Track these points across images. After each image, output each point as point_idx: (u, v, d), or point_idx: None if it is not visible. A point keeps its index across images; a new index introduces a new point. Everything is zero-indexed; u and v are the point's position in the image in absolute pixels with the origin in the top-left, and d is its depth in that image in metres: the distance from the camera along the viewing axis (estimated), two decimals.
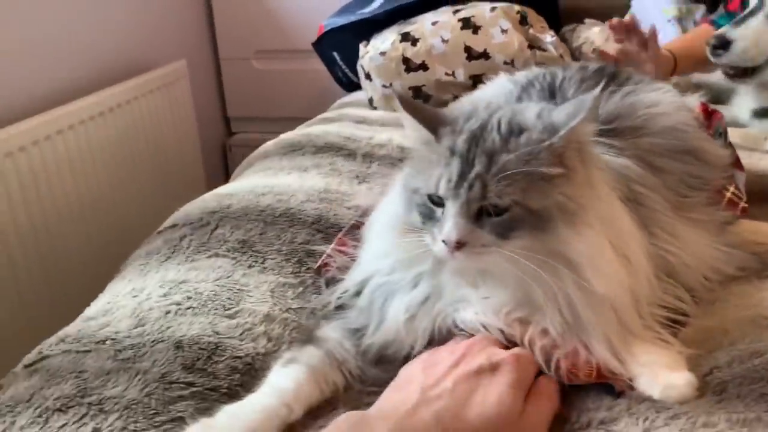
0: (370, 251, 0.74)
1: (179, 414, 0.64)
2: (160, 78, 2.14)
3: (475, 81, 1.61)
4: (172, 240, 0.95)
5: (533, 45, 1.63)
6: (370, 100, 1.71)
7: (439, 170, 0.63)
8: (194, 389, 0.67)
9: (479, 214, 0.62)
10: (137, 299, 0.82)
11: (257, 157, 1.30)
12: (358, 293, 0.73)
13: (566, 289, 0.62)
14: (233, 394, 0.67)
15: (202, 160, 2.48)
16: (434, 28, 1.65)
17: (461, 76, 1.62)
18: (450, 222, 0.61)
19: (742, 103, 1.51)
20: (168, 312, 0.78)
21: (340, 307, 0.75)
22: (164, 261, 0.90)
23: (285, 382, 0.64)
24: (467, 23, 1.64)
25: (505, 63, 1.61)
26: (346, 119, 1.51)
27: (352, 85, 2.05)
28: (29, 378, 0.71)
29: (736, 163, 1.05)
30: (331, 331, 0.71)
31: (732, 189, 0.99)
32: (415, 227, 0.67)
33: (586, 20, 1.95)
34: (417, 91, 1.64)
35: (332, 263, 0.83)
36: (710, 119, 1.10)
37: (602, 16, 2.04)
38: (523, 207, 0.61)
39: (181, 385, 0.67)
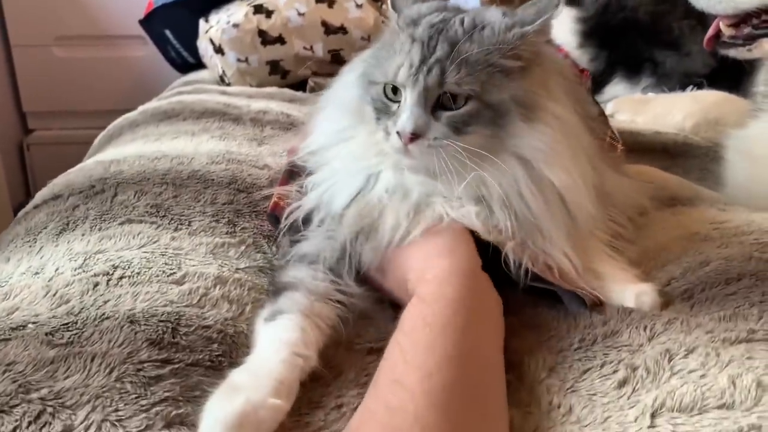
0: (324, 133, 0.72)
1: (166, 394, 0.52)
2: None
3: (334, 56, 1.58)
4: (60, 211, 0.79)
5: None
6: (222, 77, 1.59)
7: (399, 58, 0.62)
8: (173, 366, 0.55)
9: (435, 107, 0.61)
10: (42, 276, 0.67)
11: (122, 128, 1.14)
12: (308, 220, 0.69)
13: (518, 186, 0.63)
14: (217, 366, 0.57)
15: (1, 162, 2.14)
16: (288, 0, 1.58)
17: (320, 50, 1.57)
18: (407, 112, 0.61)
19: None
20: (96, 285, 0.65)
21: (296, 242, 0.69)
22: (59, 233, 0.75)
23: (286, 333, 0.57)
24: None
25: (362, 39, 1.60)
26: (208, 92, 1.39)
27: (187, 66, 1.91)
28: None
29: (604, 115, 1.14)
30: (297, 272, 0.65)
31: (609, 133, 1.08)
32: (367, 122, 0.66)
33: None
34: (275, 65, 1.57)
35: (285, 201, 0.75)
36: (579, 77, 1.19)
37: None
38: (480, 100, 0.61)
39: (157, 363, 0.55)
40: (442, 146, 0.61)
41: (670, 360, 0.56)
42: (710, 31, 1.15)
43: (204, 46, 1.66)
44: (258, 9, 1.56)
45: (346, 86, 0.71)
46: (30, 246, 0.74)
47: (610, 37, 1.56)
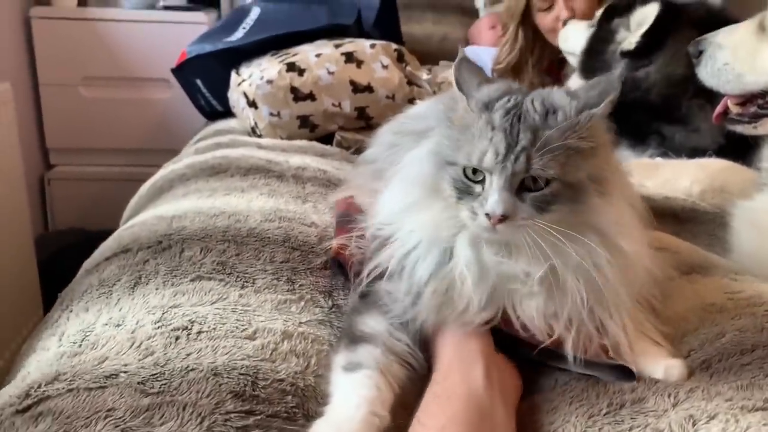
0: (395, 203, 0.75)
1: None
2: None
3: (360, 112, 1.67)
4: (131, 265, 0.86)
5: (411, 81, 1.73)
6: (253, 129, 1.68)
7: (482, 144, 0.66)
8: (256, 418, 0.62)
9: (520, 188, 0.66)
10: (124, 328, 0.74)
11: (172, 180, 1.22)
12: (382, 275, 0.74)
13: (596, 258, 0.68)
14: (293, 417, 0.64)
15: (27, 195, 2.21)
16: (318, 60, 1.68)
17: (347, 107, 1.66)
18: (495, 195, 0.65)
19: None
20: (177, 338, 0.72)
21: (366, 295, 0.75)
22: (133, 287, 0.82)
23: (365, 390, 0.63)
24: (350, 57, 1.70)
25: (387, 97, 1.69)
26: (244, 145, 1.47)
27: (215, 113, 1.99)
28: (33, 424, 0.61)
29: None
30: (376, 324, 0.71)
31: None
32: (444, 198, 0.70)
33: (441, 62, 2.11)
34: (304, 119, 1.65)
35: (346, 250, 0.81)
36: None
37: (443, 59, 2.24)
38: (561, 181, 0.66)
39: (241, 415, 0.62)
40: (529, 225, 0.66)
41: (693, 425, 0.63)
42: (719, 108, 1.25)
43: (236, 98, 1.74)
44: (291, 67, 1.66)
45: (417, 162, 0.75)
46: (107, 297, 0.81)
47: (619, 112, 1.64)
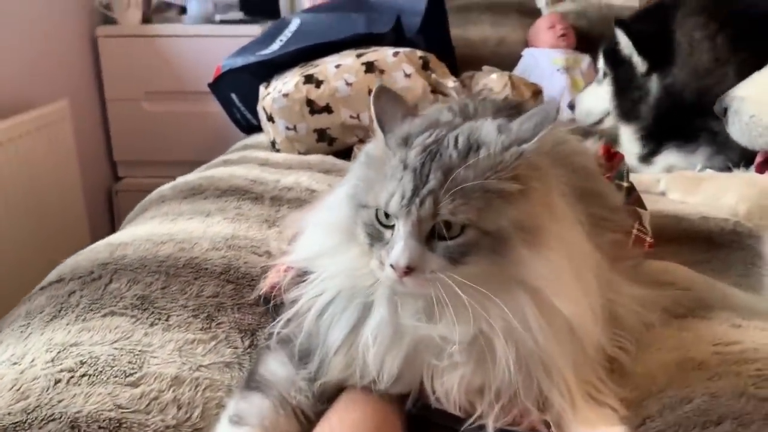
0: (311, 248, 0.69)
1: None
2: (39, 118, 1.98)
3: None
4: (58, 297, 0.84)
5: (436, 90, 1.64)
6: (273, 143, 1.65)
7: (391, 185, 0.58)
8: None
9: (431, 236, 0.58)
10: (18, 367, 0.71)
11: (152, 202, 1.20)
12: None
13: (525, 318, 0.59)
14: None
15: (84, 207, 2.31)
16: (338, 71, 1.62)
17: (366, 119, 1.59)
18: (400, 244, 0.57)
19: (629, 148, 1.62)
20: (58, 381, 0.68)
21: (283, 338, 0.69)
22: (49, 321, 0.80)
23: None
24: (371, 67, 1.63)
25: None
26: (249, 162, 1.44)
27: (251, 128, 1.98)
28: None
29: (639, 201, 1.07)
30: (279, 368, 0.65)
31: (637, 226, 1.01)
32: (360, 242, 0.63)
33: (484, 67, 1.99)
34: (321, 133, 1.60)
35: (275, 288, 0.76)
36: (611, 161, 1.13)
37: (497, 63, 2.12)
38: (478, 228, 0.57)
39: None
40: (438, 280, 0.57)
41: None
42: (759, 158, 1.12)
43: (261, 113, 1.72)
44: (308, 79, 1.61)
45: (335, 206, 0.69)
46: (21, 331, 0.79)
47: (662, 123, 1.53)
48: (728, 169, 1.42)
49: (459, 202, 0.57)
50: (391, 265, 0.57)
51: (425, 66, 1.66)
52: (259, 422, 0.61)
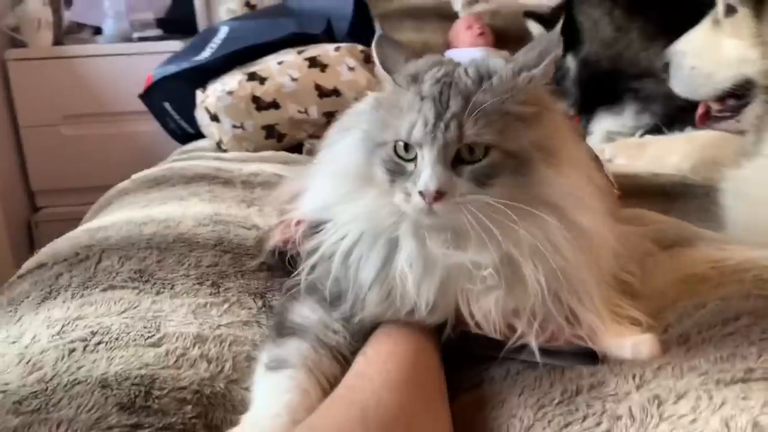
0: (324, 195, 0.69)
1: None
2: None
3: (329, 118, 1.60)
4: (44, 280, 0.79)
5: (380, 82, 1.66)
6: (219, 144, 1.61)
7: (411, 116, 0.59)
8: (144, 431, 0.54)
9: (456, 161, 0.59)
10: (19, 344, 0.66)
11: (114, 196, 1.15)
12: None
13: (552, 236, 0.60)
14: (190, 429, 0.56)
15: (7, 239, 2.17)
16: (281, 67, 1.62)
17: (314, 113, 1.59)
18: (428, 170, 0.58)
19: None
20: (72, 351, 0.63)
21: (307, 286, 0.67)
22: (41, 302, 0.74)
23: (288, 395, 0.56)
24: (314, 62, 1.63)
25: (356, 100, 1.60)
26: (202, 158, 1.40)
27: (187, 137, 1.93)
28: None
29: (598, 160, 1.13)
30: (311, 313, 0.64)
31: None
32: (378, 184, 0.62)
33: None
34: (270, 129, 1.58)
35: (289, 242, 0.74)
36: (570, 123, 1.19)
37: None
38: (501, 150, 0.58)
39: (126, 428, 0.54)
40: (469, 202, 0.58)
41: (659, 406, 0.53)
42: (700, 109, 1.22)
43: (200, 116, 1.68)
44: (251, 76, 1.59)
45: (346, 152, 0.68)
46: (11, 315, 0.74)
47: (588, 93, 1.68)
48: (657, 127, 1.54)
49: (482, 123, 0.58)
50: (420, 193, 0.58)
51: (367, 59, 1.69)
52: (302, 362, 0.59)
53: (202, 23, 2.72)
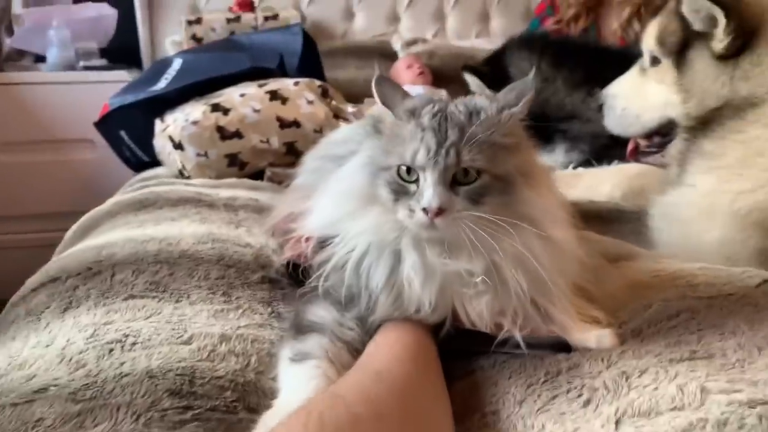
0: (330, 212, 0.78)
1: None
2: None
3: (289, 147, 1.69)
4: (60, 292, 0.84)
5: (338, 115, 1.77)
6: (181, 171, 1.67)
7: (413, 144, 0.70)
8: (194, 412, 0.62)
9: (453, 183, 0.70)
10: (53, 347, 0.72)
11: (98, 219, 1.19)
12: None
13: (531, 245, 0.72)
14: (233, 410, 0.64)
15: None
16: (243, 99, 1.70)
17: (276, 143, 1.68)
18: (430, 190, 0.69)
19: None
20: (111, 350, 0.70)
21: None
22: (64, 311, 0.80)
23: (314, 381, 0.64)
24: (275, 95, 1.72)
25: (315, 131, 1.71)
26: (173, 184, 1.46)
27: (141, 165, 1.97)
28: None
29: None
30: (325, 313, 0.72)
31: None
32: (381, 203, 0.73)
33: (366, 100, 2.16)
34: (233, 158, 1.66)
35: (301, 255, 0.83)
36: None
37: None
38: (490, 173, 0.71)
39: (179, 410, 0.61)
40: (464, 217, 0.69)
41: (627, 379, 0.66)
42: (630, 145, 1.40)
43: (161, 144, 1.74)
44: (215, 107, 1.67)
45: (346, 177, 0.79)
46: (35, 324, 0.79)
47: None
48: (587, 161, 1.72)
49: (475, 151, 0.70)
50: (424, 209, 0.69)
51: (324, 94, 1.80)
52: (324, 354, 0.68)
53: (146, 54, 2.76)
